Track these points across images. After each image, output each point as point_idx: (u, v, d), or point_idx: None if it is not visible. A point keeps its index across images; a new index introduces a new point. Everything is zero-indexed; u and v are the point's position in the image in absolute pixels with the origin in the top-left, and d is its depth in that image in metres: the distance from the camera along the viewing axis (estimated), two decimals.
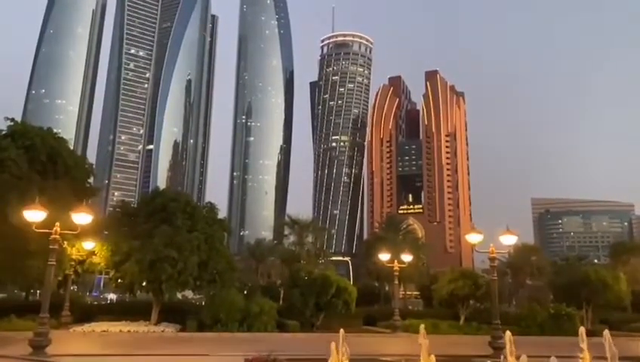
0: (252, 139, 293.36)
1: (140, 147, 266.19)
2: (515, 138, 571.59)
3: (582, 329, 17.76)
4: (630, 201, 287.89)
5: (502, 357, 17.72)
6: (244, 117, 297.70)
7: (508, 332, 17.85)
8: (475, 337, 30.84)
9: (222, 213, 46.97)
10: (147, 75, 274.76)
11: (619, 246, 74.67)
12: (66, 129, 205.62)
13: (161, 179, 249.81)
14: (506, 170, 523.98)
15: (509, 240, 23.87)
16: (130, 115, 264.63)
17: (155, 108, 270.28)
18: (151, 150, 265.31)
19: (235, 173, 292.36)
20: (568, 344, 19.10)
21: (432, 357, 14.26)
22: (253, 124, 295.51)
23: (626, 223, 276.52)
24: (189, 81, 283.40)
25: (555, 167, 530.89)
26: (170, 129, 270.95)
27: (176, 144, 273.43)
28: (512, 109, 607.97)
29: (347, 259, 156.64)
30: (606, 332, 17.82)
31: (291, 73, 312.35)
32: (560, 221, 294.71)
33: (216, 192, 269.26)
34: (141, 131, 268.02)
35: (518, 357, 16.36)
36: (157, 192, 41.69)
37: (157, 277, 33.45)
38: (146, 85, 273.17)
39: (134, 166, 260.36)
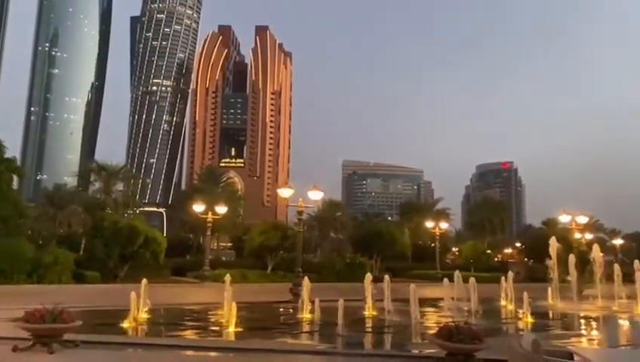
0: (57, 71, 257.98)
1: None
2: (335, 102, 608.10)
3: (368, 276, 20.42)
4: (420, 168, 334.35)
5: (300, 301, 19.33)
6: (47, 44, 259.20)
7: (306, 279, 19.56)
8: (280, 284, 32.83)
9: (13, 152, 41.29)
10: None
11: (407, 206, 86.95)
12: None
13: None
14: (324, 132, 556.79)
15: (315, 195, 25.70)
16: None
17: None
18: None
19: (32, 109, 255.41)
20: (358, 289, 21.68)
21: (234, 304, 14.99)
22: (58, 54, 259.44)
23: (415, 187, 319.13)
24: None
25: (365, 132, 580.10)
26: None
27: None
28: (337, 76, 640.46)
29: (162, 210, 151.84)
30: (386, 277, 20.84)
31: (109, 2, 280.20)
32: (364, 182, 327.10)
33: (8, 129, 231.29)
34: None
35: (313, 302, 18.10)
36: None
37: None
38: None
39: None
